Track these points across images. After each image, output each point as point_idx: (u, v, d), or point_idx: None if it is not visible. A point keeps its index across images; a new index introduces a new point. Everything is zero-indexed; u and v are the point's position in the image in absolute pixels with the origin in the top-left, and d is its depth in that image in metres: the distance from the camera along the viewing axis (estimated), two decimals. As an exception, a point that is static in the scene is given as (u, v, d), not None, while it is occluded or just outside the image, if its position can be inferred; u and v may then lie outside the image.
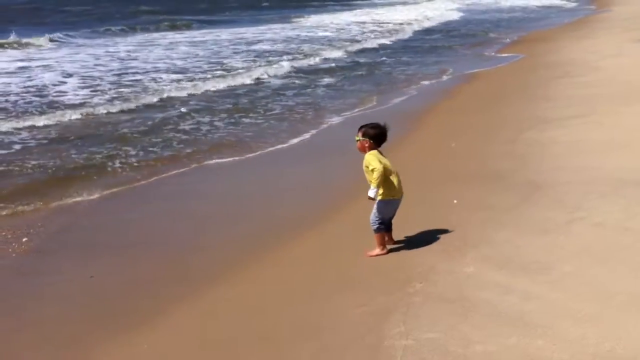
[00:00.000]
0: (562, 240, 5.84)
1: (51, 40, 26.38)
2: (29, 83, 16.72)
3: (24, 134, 11.62)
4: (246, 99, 14.66)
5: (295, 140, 11.00)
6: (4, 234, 7.17)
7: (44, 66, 19.51)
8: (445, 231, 6.28)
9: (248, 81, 16.88)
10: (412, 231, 6.34)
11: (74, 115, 12.98)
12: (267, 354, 4.51)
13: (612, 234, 5.87)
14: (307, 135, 11.34)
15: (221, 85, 16.34)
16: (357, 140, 5.99)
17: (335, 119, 12.54)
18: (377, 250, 5.99)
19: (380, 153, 5.94)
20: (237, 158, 10.02)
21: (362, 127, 6.04)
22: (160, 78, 17.47)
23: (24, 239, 7.00)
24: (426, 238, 6.17)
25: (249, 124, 12.24)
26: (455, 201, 7.13)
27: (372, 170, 5.77)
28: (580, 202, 6.73)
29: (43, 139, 11.35)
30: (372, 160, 5.81)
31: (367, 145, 5.92)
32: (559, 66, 16.74)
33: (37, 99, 14.82)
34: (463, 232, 6.23)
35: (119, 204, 8.29)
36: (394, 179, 5.88)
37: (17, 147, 10.81)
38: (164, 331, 4.97)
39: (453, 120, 11.78)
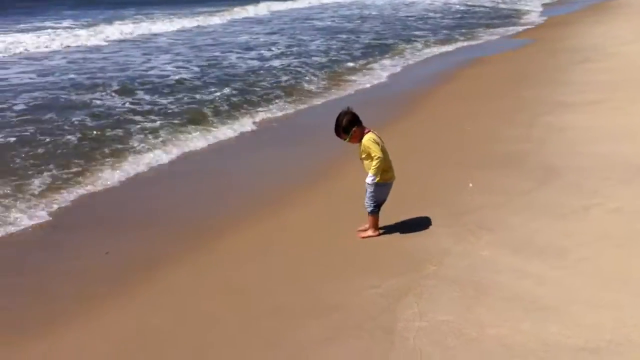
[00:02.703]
0: (578, 226, 5.79)
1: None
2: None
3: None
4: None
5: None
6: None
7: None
8: (460, 214, 6.23)
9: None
10: (427, 214, 6.29)
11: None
12: (278, 329, 4.51)
13: (629, 220, 5.80)
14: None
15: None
16: (348, 140, 5.79)
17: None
18: (370, 232, 5.95)
19: (373, 132, 5.80)
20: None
21: (337, 128, 5.77)
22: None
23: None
24: (441, 221, 6.12)
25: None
26: (470, 184, 7.08)
27: (374, 157, 5.69)
28: (598, 187, 6.66)
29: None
30: (374, 146, 5.68)
31: (356, 134, 5.74)
32: (578, 51, 16.54)
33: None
34: (478, 215, 6.18)
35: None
36: (388, 160, 5.83)
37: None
38: (175, 308, 4.98)
39: (468, 104, 11.67)
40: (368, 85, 14.12)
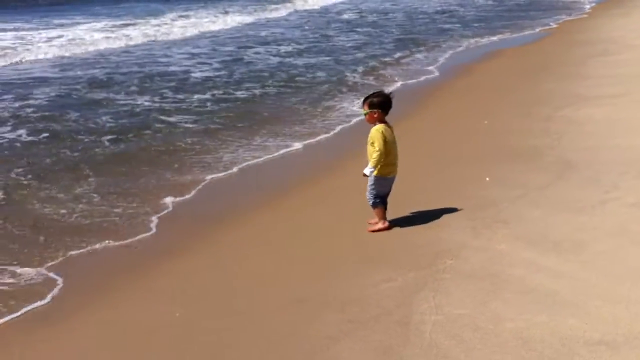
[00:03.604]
0: (595, 220, 5.77)
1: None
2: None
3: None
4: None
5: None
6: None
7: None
8: (477, 208, 6.23)
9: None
10: (443, 207, 6.30)
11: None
12: (295, 322, 4.55)
13: (648, 215, 5.78)
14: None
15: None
16: (365, 114, 5.93)
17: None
18: (379, 225, 5.99)
19: (388, 125, 5.88)
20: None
21: (366, 99, 5.96)
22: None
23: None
24: (457, 215, 6.13)
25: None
26: (487, 179, 7.07)
27: (374, 150, 5.75)
28: (616, 181, 6.62)
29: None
30: (378, 138, 5.74)
31: (376, 115, 5.85)
32: (596, 44, 16.39)
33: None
34: (495, 209, 6.18)
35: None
36: (392, 156, 5.86)
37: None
38: (192, 300, 5.05)
39: (485, 97, 11.63)
40: (406, 82, 14.00)
